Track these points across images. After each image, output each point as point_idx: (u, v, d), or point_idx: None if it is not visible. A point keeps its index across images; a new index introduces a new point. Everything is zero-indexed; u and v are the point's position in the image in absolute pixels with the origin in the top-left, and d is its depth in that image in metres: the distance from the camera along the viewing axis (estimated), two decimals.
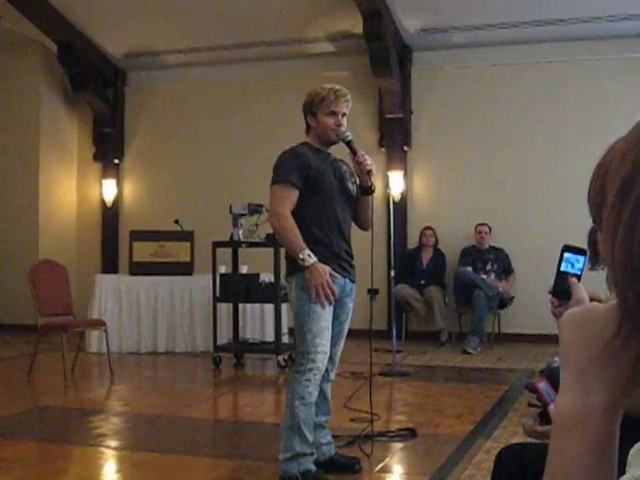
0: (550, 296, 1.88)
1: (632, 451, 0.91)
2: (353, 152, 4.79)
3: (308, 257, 4.49)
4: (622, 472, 1.02)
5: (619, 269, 0.91)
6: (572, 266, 1.86)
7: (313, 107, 4.76)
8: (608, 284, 1.55)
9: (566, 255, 1.86)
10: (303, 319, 4.55)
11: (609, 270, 0.96)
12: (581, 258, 1.85)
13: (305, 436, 4.56)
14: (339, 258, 4.70)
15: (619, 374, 0.95)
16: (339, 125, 4.75)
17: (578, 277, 1.85)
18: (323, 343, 4.58)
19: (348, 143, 4.81)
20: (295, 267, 4.58)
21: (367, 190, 4.87)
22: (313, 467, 4.59)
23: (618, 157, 0.95)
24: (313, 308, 4.54)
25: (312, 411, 4.61)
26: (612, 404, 0.98)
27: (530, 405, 6.58)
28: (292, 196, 4.61)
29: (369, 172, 4.77)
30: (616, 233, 0.91)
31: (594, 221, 1.59)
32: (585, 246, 1.86)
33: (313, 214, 4.65)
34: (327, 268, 4.55)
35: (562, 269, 1.86)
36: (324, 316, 4.57)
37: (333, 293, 4.55)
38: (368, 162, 4.77)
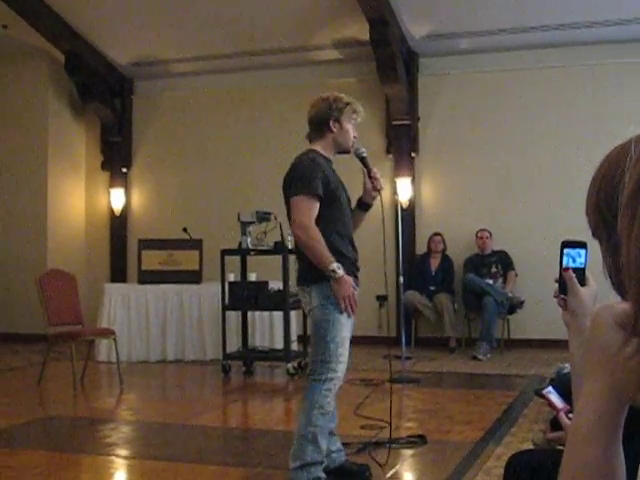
0: (557, 291, 1.88)
1: None
2: (368, 169, 4.82)
3: (338, 269, 4.48)
4: (629, 466, 1.02)
5: (634, 267, 0.90)
6: (573, 261, 1.85)
7: (337, 112, 4.70)
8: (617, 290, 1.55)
9: (566, 251, 1.86)
10: (327, 328, 4.53)
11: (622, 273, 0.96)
12: (582, 251, 1.85)
13: (319, 445, 4.54)
14: (354, 267, 4.71)
15: (630, 377, 0.95)
16: (355, 137, 4.77)
17: (583, 270, 1.84)
18: (345, 353, 4.60)
19: (363, 159, 4.82)
20: (317, 276, 4.54)
21: (369, 207, 4.91)
22: (323, 475, 4.57)
23: (635, 156, 0.95)
24: (338, 318, 4.54)
25: (328, 420, 4.61)
26: (625, 402, 0.99)
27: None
28: (315, 208, 4.55)
29: (380, 190, 4.81)
30: (631, 230, 0.91)
31: (593, 234, 1.59)
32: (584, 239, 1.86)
33: (331, 225, 4.60)
34: (350, 280, 4.56)
35: (564, 265, 1.86)
36: (346, 326, 4.59)
37: (356, 304, 4.58)
38: (381, 180, 4.82)
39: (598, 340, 1.03)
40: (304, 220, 4.52)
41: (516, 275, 11.13)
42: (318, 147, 4.76)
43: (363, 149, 4.84)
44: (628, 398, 1.00)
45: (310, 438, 4.51)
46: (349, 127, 4.74)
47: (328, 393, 4.55)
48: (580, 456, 1.01)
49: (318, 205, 4.56)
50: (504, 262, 11.13)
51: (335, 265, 4.48)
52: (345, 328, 4.58)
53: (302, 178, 4.57)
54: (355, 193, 4.91)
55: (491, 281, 10.88)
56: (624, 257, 0.93)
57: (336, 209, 4.66)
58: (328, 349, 4.53)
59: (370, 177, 4.84)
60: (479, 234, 11.27)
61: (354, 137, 4.78)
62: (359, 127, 4.87)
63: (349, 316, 4.57)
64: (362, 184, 4.89)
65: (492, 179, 11.53)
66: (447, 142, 11.85)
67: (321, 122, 4.74)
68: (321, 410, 4.53)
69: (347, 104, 4.74)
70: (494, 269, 11.08)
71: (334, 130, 4.72)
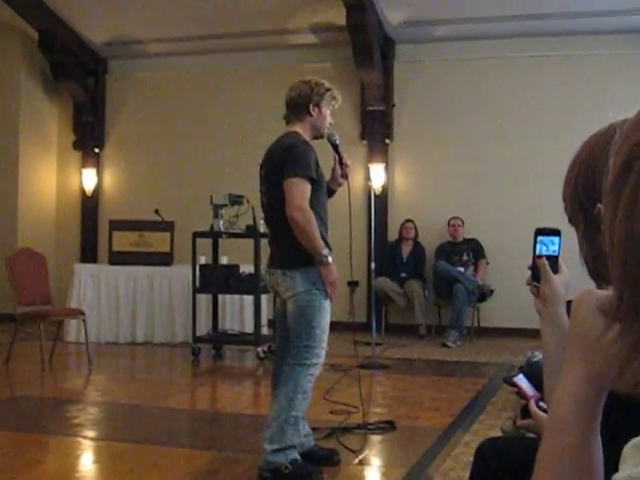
0: (529, 278, 1.87)
1: (627, 447, 0.90)
2: (340, 156, 4.84)
3: (328, 254, 4.51)
4: (611, 455, 1.01)
5: (618, 254, 0.90)
6: (547, 248, 1.84)
7: (318, 97, 4.69)
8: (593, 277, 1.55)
9: (539, 238, 1.85)
10: (313, 314, 4.54)
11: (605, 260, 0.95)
12: (555, 239, 1.84)
13: (299, 429, 4.59)
14: (331, 252, 4.69)
15: (612, 363, 0.95)
16: (331, 123, 4.77)
17: (556, 258, 1.84)
18: (326, 340, 4.64)
19: (336, 146, 4.83)
20: (303, 261, 4.53)
21: (333, 193, 4.94)
22: (299, 457, 4.60)
23: (620, 140, 0.94)
24: (324, 304, 4.56)
25: (307, 404, 4.65)
26: (605, 389, 0.99)
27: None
28: (309, 191, 4.51)
29: (347, 178, 4.88)
30: (615, 213, 0.90)
31: (570, 220, 1.59)
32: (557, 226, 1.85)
33: (316, 210, 4.56)
34: (335, 266, 4.59)
35: (537, 253, 1.85)
36: (329, 312, 4.63)
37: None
38: (350, 168, 4.90)
39: (579, 326, 1.03)
40: (301, 203, 4.47)
41: (487, 264, 11.18)
42: (299, 129, 4.73)
43: (337, 136, 4.85)
44: (608, 385, 0.99)
45: (292, 422, 4.54)
46: (327, 113, 4.74)
47: (311, 378, 4.59)
48: (558, 443, 1.00)
49: (310, 189, 4.54)
50: (475, 250, 11.17)
51: (326, 251, 4.50)
52: (328, 314, 4.61)
53: (299, 160, 4.51)
54: None
55: (462, 269, 10.92)
56: (608, 241, 0.92)
57: (320, 193, 4.65)
58: (314, 335, 4.54)
59: (341, 164, 4.85)
60: (451, 222, 11.30)
61: (330, 123, 4.78)
62: (334, 111, 4.86)
63: (331, 301, 4.61)
64: (330, 170, 4.89)
65: (465, 167, 11.55)
66: (421, 129, 11.85)
67: (301, 105, 4.71)
68: (304, 395, 4.57)
69: (328, 90, 4.74)
70: (465, 257, 11.12)
71: (313, 114, 4.71)
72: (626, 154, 0.89)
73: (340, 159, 4.84)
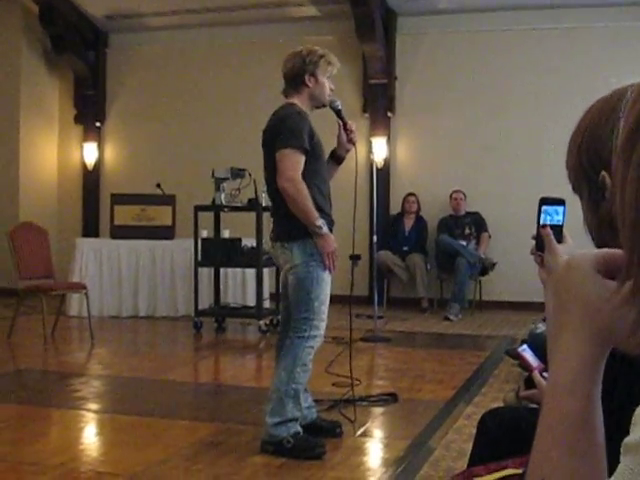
0: (534, 248, 1.86)
1: (639, 409, 0.90)
2: (344, 122, 4.79)
3: (323, 225, 4.46)
4: (621, 420, 1.01)
5: (629, 213, 0.89)
6: (551, 218, 1.83)
7: (312, 66, 4.63)
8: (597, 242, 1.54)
9: (544, 208, 1.84)
10: (310, 286, 4.51)
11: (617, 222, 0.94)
12: (560, 208, 1.82)
13: (300, 401, 4.58)
14: (332, 225, 4.67)
15: (619, 324, 0.94)
16: (332, 89, 4.72)
17: (561, 227, 1.83)
18: (326, 311, 4.61)
19: (339, 112, 4.78)
20: (299, 233, 4.50)
21: (342, 160, 4.89)
22: (301, 430, 4.59)
23: (630, 102, 0.93)
24: (322, 275, 4.53)
25: (307, 377, 4.64)
26: (607, 349, 0.98)
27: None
28: (302, 162, 4.47)
29: (354, 143, 4.80)
30: (626, 174, 0.89)
31: (573, 188, 1.58)
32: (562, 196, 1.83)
33: (313, 181, 4.53)
34: (333, 236, 4.55)
35: (541, 222, 1.84)
36: (329, 284, 4.59)
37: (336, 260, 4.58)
38: (355, 133, 4.80)
39: (577, 289, 1.01)
40: (292, 174, 4.43)
41: (489, 237, 11.17)
42: (297, 100, 4.68)
43: (338, 102, 4.79)
44: (612, 345, 0.98)
45: (292, 394, 4.52)
46: (325, 80, 4.68)
47: (311, 350, 4.57)
48: (561, 407, 0.99)
49: (304, 159, 4.50)
50: (477, 224, 11.16)
51: (321, 221, 4.46)
52: (327, 286, 4.58)
53: (291, 131, 4.47)
54: (327, 147, 4.85)
55: (464, 242, 10.91)
56: (618, 202, 0.91)
57: (318, 164, 4.61)
58: (312, 307, 4.52)
59: (345, 130, 4.80)
60: (453, 195, 11.29)
61: (330, 90, 4.73)
62: (336, 84, 4.82)
63: (330, 273, 4.57)
64: (336, 137, 4.85)
65: (468, 140, 11.52)
66: (423, 102, 11.81)
67: (296, 77, 4.66)
68: (304, 367, 4.55)
69: (321, 57, 4.67)
70: (467, 230, 11.10)
71: (310, 85, 4.65)
72: (635, 118, 0.88)
73: (344, 124, 4.80)
